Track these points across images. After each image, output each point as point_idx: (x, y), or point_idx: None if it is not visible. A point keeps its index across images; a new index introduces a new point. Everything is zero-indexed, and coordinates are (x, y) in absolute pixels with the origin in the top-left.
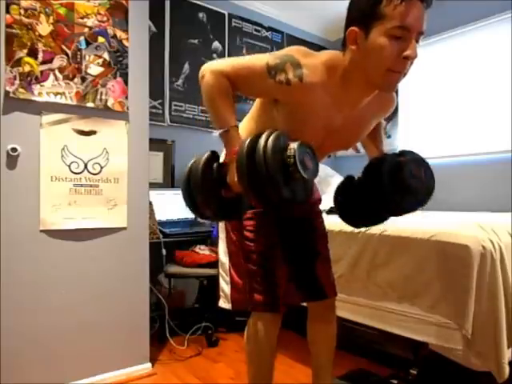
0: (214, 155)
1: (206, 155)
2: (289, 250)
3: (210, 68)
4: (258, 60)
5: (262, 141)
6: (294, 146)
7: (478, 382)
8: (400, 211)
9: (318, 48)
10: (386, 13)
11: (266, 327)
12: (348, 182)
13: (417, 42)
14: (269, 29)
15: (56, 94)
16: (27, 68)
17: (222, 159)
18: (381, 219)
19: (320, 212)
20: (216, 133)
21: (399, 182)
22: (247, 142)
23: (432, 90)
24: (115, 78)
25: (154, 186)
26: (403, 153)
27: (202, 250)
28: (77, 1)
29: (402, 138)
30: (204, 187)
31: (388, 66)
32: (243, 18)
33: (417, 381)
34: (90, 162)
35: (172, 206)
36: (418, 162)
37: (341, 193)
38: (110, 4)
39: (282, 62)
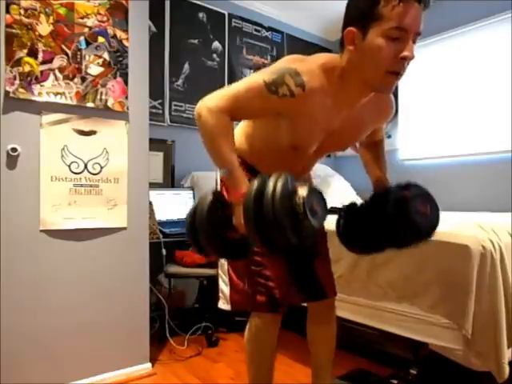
0: (219, 196)
1: (210, 197)
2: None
3: (207, 106)
4: (253, 81)
5: (270, 185)
6: (302, 192)
7: (478, 382)
8: (401, 245)
9: (317, 48)
10: (384, 13)
11: (267, 327)
12: (351, 209)
13: (414, 42)
14: (269, 29)
15: (56, 93)
16: (27, 68)
17: (220, 181)
18: (381, 249)
19: None
20: (219, 173)
21: (403, 217)
22: (255, 186)
23: (432, 90)
24: (115, 78)
25: (154, 186)
26: (409, 186)
27: None
28: (77, 1)
29: (402, 137)
30: (209, 229)
31: (385, 66)
32: (243, 17)
33: (417, 381)
34: (90, 162)
35: (172, 206)
36: (424, 197)
37: (343, 219)
38: (110, 4)
39: (280, 75)
